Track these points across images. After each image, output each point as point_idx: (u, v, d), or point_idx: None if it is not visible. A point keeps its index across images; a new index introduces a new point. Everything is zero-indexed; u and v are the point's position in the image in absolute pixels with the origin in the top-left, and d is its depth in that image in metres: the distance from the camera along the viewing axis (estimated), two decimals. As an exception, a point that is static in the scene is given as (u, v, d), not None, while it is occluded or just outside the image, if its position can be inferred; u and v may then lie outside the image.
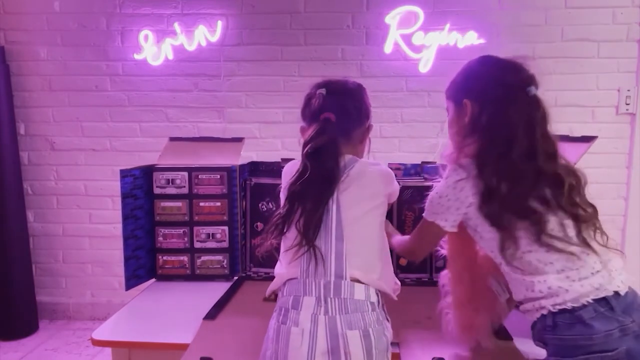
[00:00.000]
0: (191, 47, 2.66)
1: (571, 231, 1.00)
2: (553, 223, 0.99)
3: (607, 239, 1.02)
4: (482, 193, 1.01)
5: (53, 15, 2.69)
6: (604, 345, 0.92)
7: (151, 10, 2.67)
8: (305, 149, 1.07)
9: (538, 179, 1.00)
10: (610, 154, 2.62)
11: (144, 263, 1.60)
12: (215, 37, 2.65)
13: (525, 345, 1.13)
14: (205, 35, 2.65)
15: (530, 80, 1.05)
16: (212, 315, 1.31)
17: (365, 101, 1.19)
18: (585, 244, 0.99)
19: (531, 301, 1.01)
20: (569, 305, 0.95)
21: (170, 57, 2.67)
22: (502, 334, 1.21)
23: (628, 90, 2.58)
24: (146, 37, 2.65)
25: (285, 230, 1.07)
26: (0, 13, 2.71)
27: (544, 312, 0.98)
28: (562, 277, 0.97)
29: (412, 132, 2.67)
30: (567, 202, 1.00)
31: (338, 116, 1.11)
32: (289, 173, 1.13)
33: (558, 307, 0.96)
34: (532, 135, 1.01)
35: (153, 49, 2.66)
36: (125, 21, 2.69)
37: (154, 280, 1.62)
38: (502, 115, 1.02)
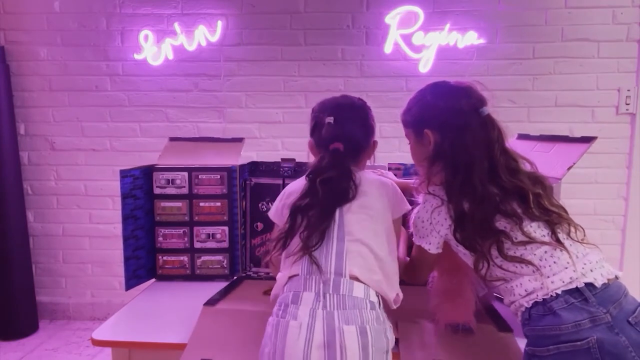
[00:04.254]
0: (191, 47, 2.66)
1: (542, 232, 1.05)
2: (521, 232, 1.04)
3: (584, 235, 1.06)
4: (453, 219, 1.08)
5: (53, 15, 2.70)
6: (574, 335, 0.94)
7: (151, 10, 2.68)
8: (318, 179, 1.09)
9: (503, 197, 1.05)
10: (610, 154, 2.62)
11: (144, 263, 1.60)
12: (215, 37, 2.65)
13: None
14: (205, 35, 2.65)
15: (482, 102, 1.11)
16: (213, 301, 1.33)
17: (371, 122, 1.23)
18: (557, 241, 1.03)
19: (514, 304, 1.06)
20: (539, 298, 1.00)
21: (170, 57, 2.68)
22: (503, 326, 1.22)
23: (628, 90, 2.58)
24: (146, 37, 2.66)
25: (288, 242, 1.10)
26: (0, 13, 2.71)
27: (523, 309, 1.04)
28: (537, 276, 1.02)
29: (412, 132, 2.67)
30: (536, 210, 1.05)
31: (347, 144, 1.14)
32: (293, 194, 1.15)
33: (532, 301, 1.01)
34: (491, 154, 1.07)
35: (153, 49, 2.67)
36: (125, 21, 2.69)
37: (154, 280, 1.62)
38: (461, 140, 1.07)
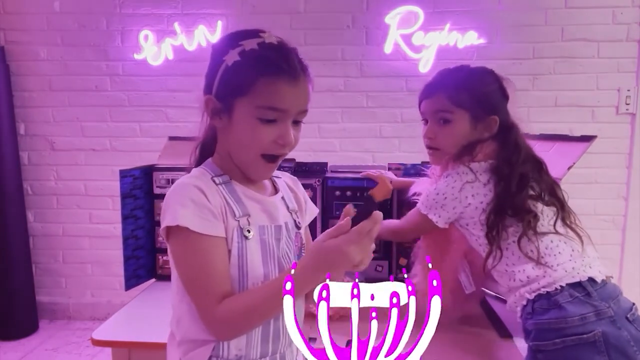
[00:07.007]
0: (191, 47, 2.66)
1: (553, 221, 1.07)
2: (541, 215, 1.07)
3: (582, 237, 1.09)
4: (495, 197, 1.07)
5: (53, 15, 2.69)
6: (580, 328, 0.96)
7: (151, 10, 2.67)
8: None
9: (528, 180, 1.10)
10: (610, 154, 2.62)
11: (144, 263, 1.60)
12: (215, 37, 2.64)
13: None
14: (205, 35, 2.65)
15: None
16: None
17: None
18: (566, 231, 1.07)
19: (513, 292, 1.07)
20: (543, 291, 1.01)
21: (170, 57, 2.67)
22: (504, 332, 1.22)
23: (628, 90, 2.58)
24: (146, 37, 2.65)
25: None
26: (0, 13, 2.71)
27: (524, 302, 1.04)
28: (541, 265, 1.03)
29: (412, 132, 2.67)
30: (550, 194, 1.10)
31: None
32: None
33: (534, 293, 1.02)
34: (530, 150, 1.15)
35: (153, 49, 2.66)
36: (125, 21, 2.69)
37: (154, 280, 1.62)
38: (521, 135, 1.14)
